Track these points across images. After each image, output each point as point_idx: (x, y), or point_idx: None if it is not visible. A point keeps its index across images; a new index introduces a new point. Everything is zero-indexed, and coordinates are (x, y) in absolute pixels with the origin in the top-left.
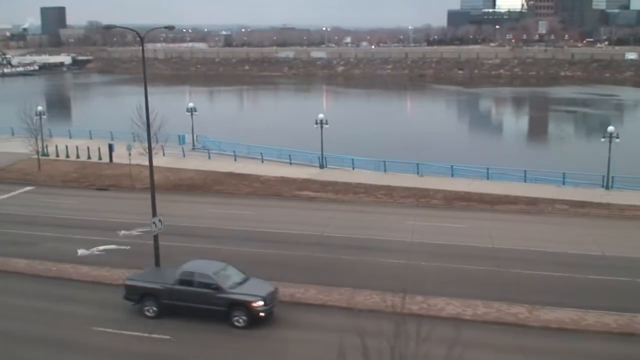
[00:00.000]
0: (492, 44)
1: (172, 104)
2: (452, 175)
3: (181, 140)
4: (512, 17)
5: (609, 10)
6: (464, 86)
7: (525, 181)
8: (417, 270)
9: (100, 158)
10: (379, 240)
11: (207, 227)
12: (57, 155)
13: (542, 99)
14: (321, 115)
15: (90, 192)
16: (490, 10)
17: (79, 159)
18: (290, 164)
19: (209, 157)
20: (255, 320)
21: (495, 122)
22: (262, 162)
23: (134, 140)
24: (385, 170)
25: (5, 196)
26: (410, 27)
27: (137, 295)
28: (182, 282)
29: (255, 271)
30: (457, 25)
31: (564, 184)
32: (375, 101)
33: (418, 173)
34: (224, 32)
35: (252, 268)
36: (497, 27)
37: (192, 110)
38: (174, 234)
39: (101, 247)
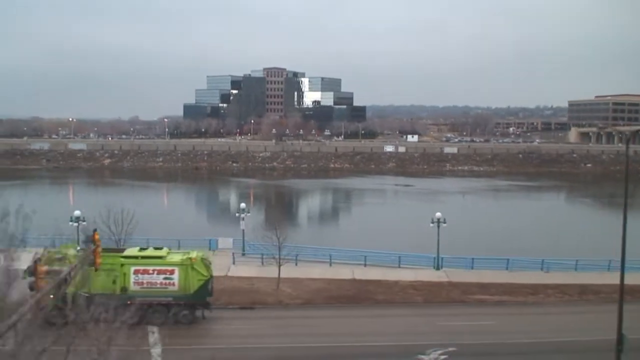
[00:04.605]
0: (239, 137)
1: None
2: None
3: (212, 244)
4: (254, 113)
5: (335, 107)
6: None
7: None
8: None
9: None
10: None
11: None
12: None
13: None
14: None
15: (234, 312)
16: (226, 105)
17: None
18: (399, 266)
19: (296, 264)
20: None
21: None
22: (365, 265)
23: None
24: (507, 268)
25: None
26: (164, 120)
27: None
28: None
29: None
30: (194, 119)
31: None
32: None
33: (542, 269)
34: None
35: None
36: (252, 121)
37: (242, 212)
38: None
39: None
